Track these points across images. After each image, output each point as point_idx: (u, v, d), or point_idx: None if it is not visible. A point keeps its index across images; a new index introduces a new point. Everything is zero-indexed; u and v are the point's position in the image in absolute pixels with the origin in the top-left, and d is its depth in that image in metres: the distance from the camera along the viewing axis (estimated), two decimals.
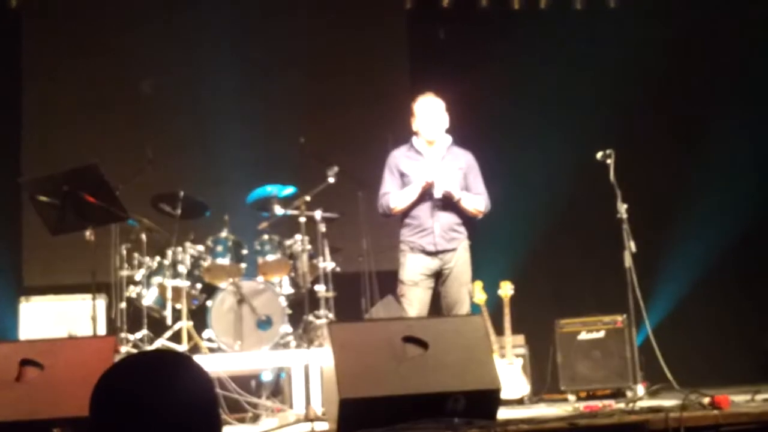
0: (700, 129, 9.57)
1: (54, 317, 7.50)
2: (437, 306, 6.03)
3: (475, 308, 6.57)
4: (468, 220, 6.00)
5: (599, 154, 6.50)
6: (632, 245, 6.19)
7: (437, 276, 5.93)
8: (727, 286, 9.34)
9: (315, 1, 9.69)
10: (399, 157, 6.03)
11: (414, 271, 5.88)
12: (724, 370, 8.76)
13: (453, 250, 5.88)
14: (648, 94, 9.37)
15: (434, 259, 5.87)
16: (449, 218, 5.88)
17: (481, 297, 7.47)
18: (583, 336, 7.86)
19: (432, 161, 5.92)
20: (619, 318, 7.73)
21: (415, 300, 5.84)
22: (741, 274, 9.39)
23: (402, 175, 5.96)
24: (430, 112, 5.95)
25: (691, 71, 9.75)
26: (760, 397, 5.43)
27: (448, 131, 6.08)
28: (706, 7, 9.66)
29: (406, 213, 5.93)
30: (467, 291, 6.01)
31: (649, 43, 9.32)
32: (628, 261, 6.18)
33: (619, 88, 9.29)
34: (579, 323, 7.92)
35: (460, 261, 5.92)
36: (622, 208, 6.28)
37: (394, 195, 5.94)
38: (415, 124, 6.01)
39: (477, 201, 5.97)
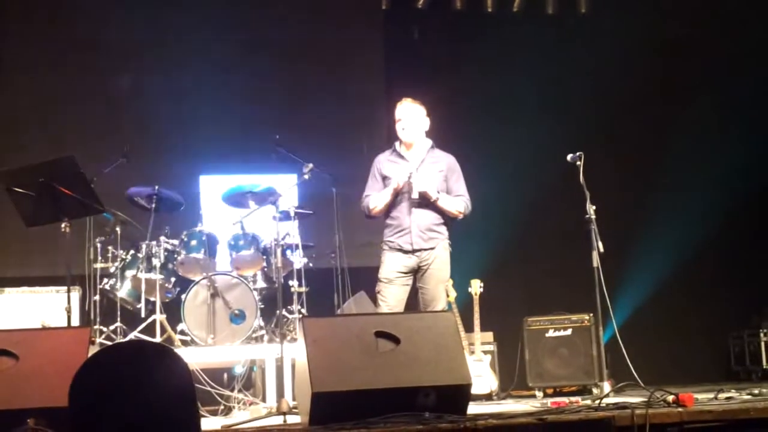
0: (669, 133, 9.74)
1: (28, 309, 7.49)
2: (415, 302, 6.13)
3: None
4: (448, 221, 6.10)
5: (569, 156, 6.58)
6: (600, 245, 6.28)
7: (415, 273, 6.03)
8: (692, 287, 9.51)
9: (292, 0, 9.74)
10: (382, 161, 6.18)
11: (390, 269, 6.00)
12: (689, 369, 8.94)
13: (431, 248, 5.99)
14: (618, 97, 9.51)
15: (411, 257, 5.99)
16: (428, 218, 6.00)
17: (451, 294, 7.56)
18: (551, 334, 7.99)
19: (410, 164, 6.04)
20: (586, 317, 7.87)
21: (389, 297, 5.95)
22: (705, 274, 9.57)
23: (384, 178, 6.09)
24: (406, 117, 6.06)
25: (661, 76, 9.92)
26: (723, 395, 5.55)
27: (426, 132, 6.21)
28: (677, 14, 9.82)
29: (387, 214, 6.05)
30: (444, 288, 6.16)
31: (620, 49, 9.46)
32: (595, 261, 6.27)
33: (589, 91, 9.45)
34: (547, 321, 8.05)
35: (438, 259, 6.05)
36: (591, 209, 6.37)
37: (373, 197, 6.08)
38: (397, 129, 6.14)
39: (456, 202, 6.08)
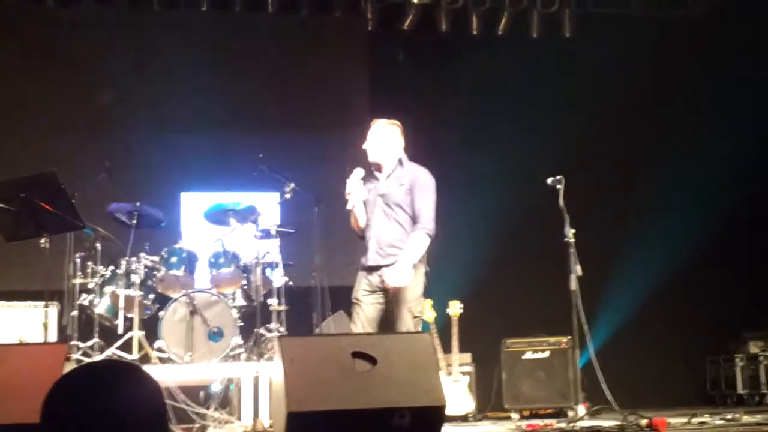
0: (649, 156, 9.83)
1: (5, 324, 7.47)
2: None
3: (424, 326, 6.61)
4: None
5: (550, 180, 6.62)
6: (578, 269, 6.31)
7: (384, 292, 5.91)
8: (669, 311, 9.56)
9: (278, 20, 9.78)
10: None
11: (356, 289, 5.87)
12: (666, 393, 8.99)
13: (389, 265, 5.71)
14: (598, 121, 9.58)
15: (373, 275, 5.84)
16: (389, 234, 5.80)
17: (430, 315, 7.59)
18: (529, 356, 8.03)
19: (354, 176, 5.89)
20: (564, 339, 7.91)
21: (357, 318, 5.81)
22: (682, 299, 9.62)
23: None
24: (371, 138, 6.03)
25: (641, 100, 10.01)
26: (696, 420, 5.62)
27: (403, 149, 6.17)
28: (659, 39, 9.94)
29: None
30: (408, 309, 5.72)
31: (602, 72, 9.54)
32: (573, 284, 6.30)
33: (571, 115, 9.53)
34: (525, 343, 8.09)
35: None
36: (570, 232, 6.41)
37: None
38: None
39: (419, 244, 5.71)
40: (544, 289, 8.46)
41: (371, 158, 5.99)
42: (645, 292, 9.29)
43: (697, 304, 9.64)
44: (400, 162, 6.01)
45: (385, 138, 5.99)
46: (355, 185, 5.81)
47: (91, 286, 7.24)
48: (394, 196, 5.85)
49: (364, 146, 6.00)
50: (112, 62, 9.01)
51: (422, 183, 5.87)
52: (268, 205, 7.50)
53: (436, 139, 9.10)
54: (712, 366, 9.50)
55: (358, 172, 5.88)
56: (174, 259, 7.28)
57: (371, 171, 6.10)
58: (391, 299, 5.75)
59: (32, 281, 7.05)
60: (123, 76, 8.99)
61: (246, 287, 7.49)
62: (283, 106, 9.46)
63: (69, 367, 4.52)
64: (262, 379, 6.36)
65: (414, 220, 5.81)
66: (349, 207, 5.81)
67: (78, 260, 7.25)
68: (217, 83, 9.17)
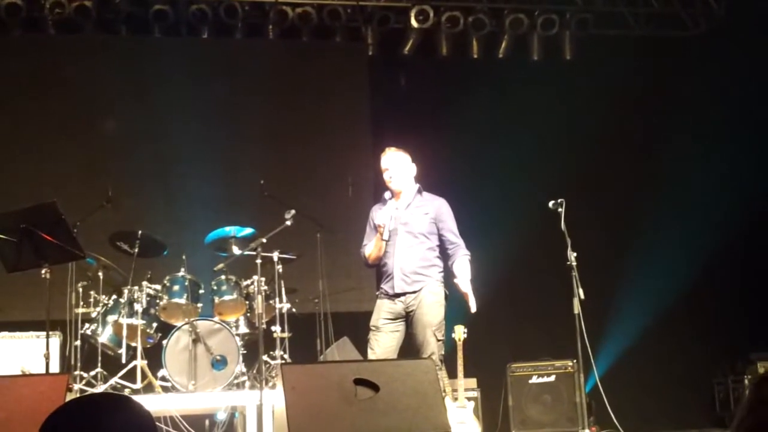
0: (649, 177, 9.80)
1: (8, 355, 7.44)
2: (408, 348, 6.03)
3: None
4: (438, 262, 6.03)
5: (551, 203, 6.61)
6: (581, 292, 6.29)
7: (405, 319, 5.95)
8: (676, 332, 9.49)
9: (278, 45, 9.81)
10: (375, 211, 6.17)
11: (376, 317, 5.94)
12: (674, 415, 8.91)
13: (415, 292, 5.90)
14: (601, 143, 9.56)
15: (397, 302, 5.90)
16: (413, 262, 5.93)
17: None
18: (535, 380, 7.98)
19: (388, 208, 5.99)
20: (570, 363, 7.86)
21: (376, 345, 5.86)
22: (688, 320, 9.55)
23: (376, 227, 6.05)
24: (392, 167, 6.07)
25: (644, 123, 10.00)
26: None
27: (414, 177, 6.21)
28: (659, 60, 9.96)
29: (380, 261, 6.03)
30: (432, 333, 5.86)
31: (604, 94, 9.53)
32: (576, 308, 6.27)
33: (573, 137, 9.51)
34: (530, 367, 8.04)
35: (423, 302, 5.88)
36: (572, 255, 6.39)
37: (369, 245, 6.08)
38: (384, 178, 6.15)
39: (467, 267, 6.04)
40: (549, 313, 8.43)
41: (394, 187, 6.06)
42: (650, 313, 9.22)
43: (704, 325, 9.56)
44: (419, 191, 6.10)
45: (404, 165, 6.09)
46: (390, 216, 5.87)
47: (93, 315, 7.24)
48: (419, 225, 5.96)
49: (388, 175, 6.04)
50: (113, 90, 9.05)
51: (448, 212, 6.13)
52: (270, 231, 7.45)
53: (438, 162, 9.07)
54: (720, 387, 9.41)
55: (392, 203, 5.93)
56: (176, 287, 7.26)
57: (384, 199, 6.13)
58: (416, 324, 5.80)
59: (34, 312, 7.01)
60: (124, 104, 9.03)
61: (249, 314, 7.47)
62: (285, 132, 9.46)
63: (71, 398, 4.50)
64: (266, 407, 6.31)
65: (441, 247, 6.07)
66: (385, 237, 5.86)
67: (80, 290, 7.25)
68: (218, 110, 9.20)
